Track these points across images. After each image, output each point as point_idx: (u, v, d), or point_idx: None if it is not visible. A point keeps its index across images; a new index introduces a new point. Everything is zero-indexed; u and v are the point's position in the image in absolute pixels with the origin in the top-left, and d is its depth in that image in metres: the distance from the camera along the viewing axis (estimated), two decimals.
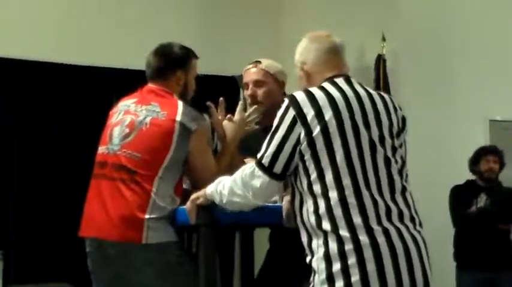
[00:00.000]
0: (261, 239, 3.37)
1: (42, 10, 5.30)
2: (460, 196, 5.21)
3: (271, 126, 2.38)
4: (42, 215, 5.07)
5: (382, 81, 5.76)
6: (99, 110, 5.10)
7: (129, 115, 2.85)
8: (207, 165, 2.83)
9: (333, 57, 2.49)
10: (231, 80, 4.64)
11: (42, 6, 5.32)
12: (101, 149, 2.89)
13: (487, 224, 5.04)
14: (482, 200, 5.12)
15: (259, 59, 3.23)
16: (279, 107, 2.37)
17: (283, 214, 2.50)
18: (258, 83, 3.17)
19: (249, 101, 3.21)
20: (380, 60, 5.84)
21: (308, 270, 2.35)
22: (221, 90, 4.56)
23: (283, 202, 2.50)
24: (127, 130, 2.82)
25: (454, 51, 6.10)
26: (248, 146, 3.07)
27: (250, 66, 3.23)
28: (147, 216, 2.68)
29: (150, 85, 2.94)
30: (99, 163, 2.88)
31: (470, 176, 5.35)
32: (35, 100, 5.17)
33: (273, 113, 3.04)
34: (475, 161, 5.26)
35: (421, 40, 6.01)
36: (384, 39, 5.83)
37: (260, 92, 3.16)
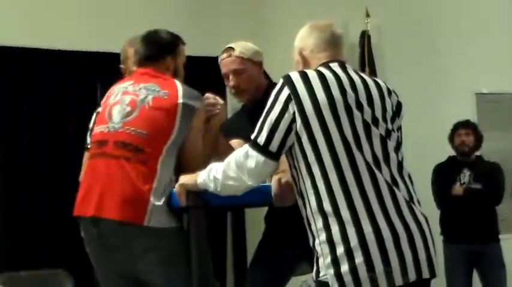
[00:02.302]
0: (254, 219, 3.38)
1: None
2: (442, 175, 5.24)
3: (257, 107, 2.38)
4: (32, 200, 5.04)
5: (367, 58, 5.77)
6: (82, 94, 5.12)
7: (128, 95, 2.82)
8: (197, 145, 2.82)
9: (332, 46, 2.50)
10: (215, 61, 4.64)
11: None
12: (100, 128, 2.84)
13: (473, 202, 5.07)
14: (465, 176, 5.15)
15: (232, 45, 3.17)
16: (262, 87, 2.37)
17: (272, 193, 2.51)
18: (237, 72, 3.14)
19: (232, 91, 3.19)
20: (365, 37, 5.85)
21: (305, 249, 2.37)
22: (207, 71, 4.58)
23: (272, 181, 2.50)
24: (128, 108, 2.78)
25: (439, 25, 6.11)
26: (237, 129, 3.08)
27: (225, 55, 3.17)
28: (151, 198, 2.64)
29: (141, 70, 2.93)
30: (98, 142, 2.81)
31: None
32: (17, 87, 5.13)
33: (258, 94, 3.07)
34: (451, 138, 5.32)
35: (405, 15, 6.01)
36: (367, 15, 5.83)
37: (241, 80, 3.13)
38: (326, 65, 2.42)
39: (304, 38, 2.53)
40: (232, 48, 3.17)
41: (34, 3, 5.26)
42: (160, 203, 2.65)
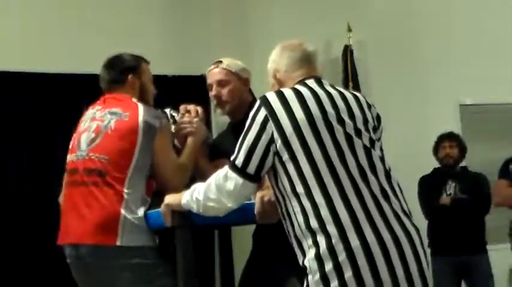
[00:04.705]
0: (241, 235, 3.37)
1: (4, 18, 5.23)
2: (428, 186, 5.25)
3: (240, 124, 2.38)
4: (18, 227, 5.02)
5: (350, 72, 5.79)
6: (68, 117, 5.09)
7: (95, 121, 2.92)
8: (168, 162, 2.88)
9: (305, 64, 2.50)
10: (201, 79, 4.64)
11: (5, 13, 5.24)
12: (70, 157, 2.95)
13: (460, 212, 5.08)
14: (451, 187, 5.17)
15: (221, 59, 3.22)
16: (246, 104, 2.37)
17: (255, 211, 2.50)
18: (221, 83, 3.17)
19: (214, 102, 3.21)
20: (347, 51, 5.87)
21: (294, 266, 2.34)
22: (190, 90, 4.59)
23: (256, 199, 2.50)
24: (93, 135, 2.88)
25: (422, 37, 6.16)
26: (222, 148, 3.09)
27: (212, 67, 3.22)
28: (121, 218, 2.72)
29: (108, 95, 3.02)
30: (70, 171, 2.92)
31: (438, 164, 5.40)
32: (3, 110, 5.12)
33: (240, 110, 3.08)
34: (435, 150, 5.34)
35: (388, 28, 6.05)
36: (349, 29, 5.86)
37: (224, 91, 3.16)
38: (302, 82, 2.42)
39: (277, 60, 2.54)
40: (220, 61, 3.21)
41: (15, 28, 5.25)
42: (131, 222, 2.72)
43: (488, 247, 5.23)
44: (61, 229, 2.91)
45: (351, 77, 5.75)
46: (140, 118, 2.83)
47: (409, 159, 5.53)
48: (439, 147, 5.31)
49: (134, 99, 2.95)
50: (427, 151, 5.38)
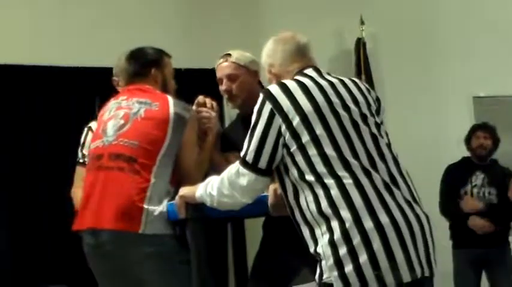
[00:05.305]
0: (255, 227, 3.39)
1: (17, 12, 5.25)
2: (454, 175, 5.13)
3: (251, 116, 2.39)
4: (35, 217, 5.06)
5: (363, 65, 5.78)
6: (82, 111, 5.12)
7: (122, 109, 2.91)
8: (193, 156, 2.88)
9: (300, 57, 2.51)
10: (213, 73, 4.65)
11: (17, 8, 5.27)
12: (95, 144, 2.92)
13: (487, 212, 4.97)
14: (478, 179, 5.08)
15: (229, 52, 3.22)
16: (256, 96, 2.38)
17: (269, 203, 2.52)
18: (230, 77, 3.17)
19: (225, 96, 3.22)
20: (360, 44, 5.86)
21: (305, 256, 2.35)
22: (203, 83, 4.59)
23: (269, 191, 2.51)
24: (122, 121, 2.86)
25: (435, 30, 6.13)
26: (232, 141, 3.11)
27: (221, 60, 3.22)
28: (145, 206, 2.70)
29: (132, 86, 3.01)
30: (95, 156, 2.88)
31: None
32: (18, 104, 5.15)
33: (251, 103, 3.09)
34: (467, 140, 5.22)
35: (401, 21, 6.03)
36: (362, 22, 5.85)
37: (234, 85, 3.16)
38: (301, 73, 2.43)
39: (270, 55, 2.54)
40: (229, 55, 3.21)
41: (33, 23, 5.28)
42: (156, 211, 2.70)
43: (510, 238, 5.15)
44: (79, 215, 2.86)
45: (363, 70, 5.75)
46: (171, 109, 2.83)
47: (423, 151, 5.52)
48: (473, 137, 5.18)
49: (159, 92, 2.96)
50: (441, 143, 5.36)
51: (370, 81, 5.58)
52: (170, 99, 2.88)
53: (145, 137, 2.79)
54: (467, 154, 5.25)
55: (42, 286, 4.86)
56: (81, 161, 3.35)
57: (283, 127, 2.27)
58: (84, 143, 3.38)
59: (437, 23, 6.14)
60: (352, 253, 2.15)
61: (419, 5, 6.14)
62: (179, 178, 2.84)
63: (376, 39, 5.96)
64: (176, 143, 2.82)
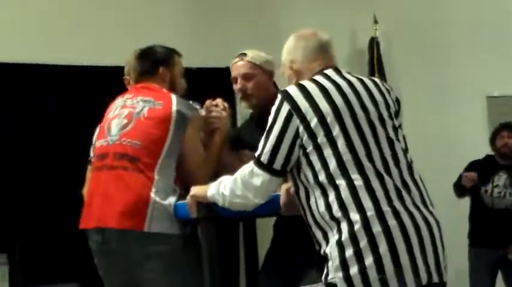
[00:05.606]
0: (266, 226, 3.39)
1: (25, 11, 5.25)
2: (476, 171, 5.08)
3: (265, 117, 2.38)
4: (45, 215, 5.07)
5: (376, 64, 5.77)
6: (94, 110, 5.13)
7: (126, 108, 2.92)
8: (195, 154, 2.88)
9: (321, 54, 2.48)
10: (226, 72, 4.65)
11: (25, 6, 5.27)
12: (100, 143, 2.94)
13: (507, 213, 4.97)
14: (501, 179, 5.06)
15: (245, 51, 3.22)
16: (271, 97, 2.37)
17: (281, 203, 2.51)
18: (246, 76, 3.17)
19: (239, 95, 3.22)
20: (373, 43, 5.85)
21: (315, 256, 2.35)
22: (215, 83, 4.59)
23: (281, 191, 2.51)
24: (125, 121, 2.88)
25: (448, 29, 6.11)
26: (245, 140, 3.10)
27: (237, 59, 3.22)
28: (150, 204, 2.71)
29: (139, 84, 3.03)
30: (99, 155, 2.91)
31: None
32: (30, 102, 5.16)
33: (265, 104, 3.09)
34: (492, 139, 5.21)
35: (414, 20, 6.01)
36: (376, 21, 5.83)
37: (249, 85, 3.17)
38: (321, 72, 2.41)
39: (292, 51, 2.52)
40: (244, 54, 3.22)
41: (45, 22, 5.28)
42: (161, 208, 2.71)
43: None
44: (85, 213, 2.89)
45: (377, 69, 5.74)
46: (174, 107, 2.84)
47: (436, 151, 5.50)
48: (497, 136, 5.16)
49: (165, 90, 2.97)
50: (454, 142, 5.33)
51: (383, 80, 5.55)
52: (174, 98, 2.89)
53: (148, 137, 2.81)
54: (481, 154, 5.23)
55: (55, 284, 4.87)
56: (92, 160, 3.35)
57: (301, 128, 2.26)
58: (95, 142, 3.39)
59: (451, 22, 6.12)
60: (358, 255, 2.15)
61: (432, 4, 6.12)
62: (183, 176, 2.85)
63: (389, 38, 5.94)
64: (178, 142, 2.83)
